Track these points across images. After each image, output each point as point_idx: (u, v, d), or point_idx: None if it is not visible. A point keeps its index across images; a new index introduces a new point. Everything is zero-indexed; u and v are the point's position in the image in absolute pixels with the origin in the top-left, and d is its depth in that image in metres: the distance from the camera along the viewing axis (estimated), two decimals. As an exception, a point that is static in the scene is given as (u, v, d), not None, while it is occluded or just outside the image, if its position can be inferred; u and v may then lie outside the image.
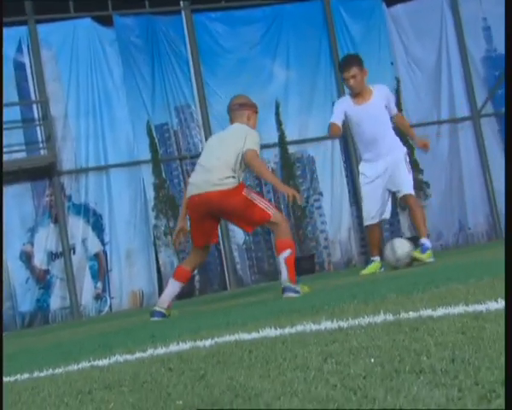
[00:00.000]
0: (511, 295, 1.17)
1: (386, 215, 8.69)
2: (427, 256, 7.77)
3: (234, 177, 6.27)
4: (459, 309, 2.25)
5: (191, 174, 7.25)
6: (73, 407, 1.76)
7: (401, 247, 7.72)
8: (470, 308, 2.22)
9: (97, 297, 15.73)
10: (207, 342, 2.63)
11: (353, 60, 8.46)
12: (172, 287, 6.51)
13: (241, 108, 7.28)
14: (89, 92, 16.05)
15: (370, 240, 8.87)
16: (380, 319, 2.40)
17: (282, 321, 2.95)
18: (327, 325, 2.49)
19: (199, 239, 6.55)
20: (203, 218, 6.40)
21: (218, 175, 6.26)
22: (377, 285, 4.80)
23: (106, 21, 16.42)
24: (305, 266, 16.09)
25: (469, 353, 1.51)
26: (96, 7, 16.40)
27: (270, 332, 2.59)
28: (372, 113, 8.15)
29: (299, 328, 2.55)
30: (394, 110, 8.62)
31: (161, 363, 2.32)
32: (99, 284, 15.80)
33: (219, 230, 16.24)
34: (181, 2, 16.78)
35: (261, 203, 6.32)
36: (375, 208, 8.38)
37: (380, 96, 8.36)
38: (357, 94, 8.23)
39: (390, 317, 2.38)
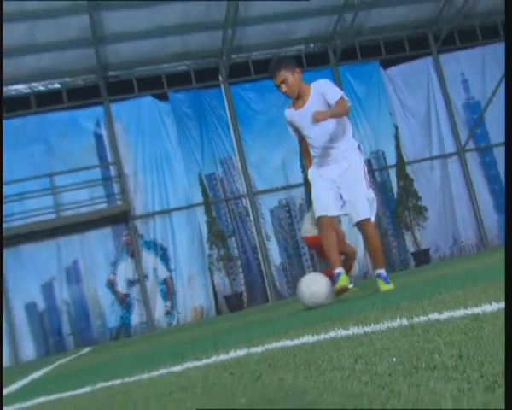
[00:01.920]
0: (511, 296, 1.15)
1: (362, 215, 5.81)
2: (392, 286, 5.74)
3: None
4: (460, 312, 2.22)
5: None
6: (159, 407, 1.76)
7: (316, 282, 5.45)
8: (469, 311, 2.18)
9: (167, 313, 15.82)
10: (259, 349, 2.60)
11: (280, 63, 5.91)
12: None
13: None
14: (152, 153, 16.28)
15: (324, 242, 5.95)
16: (396, 323, 2.36)
17: (317, 328, 2.92)
18: (354, 330, 2.46)
19: None
20: None
21: None
22: (391, 295, 4.72)
23: (163, 97, 16.72)
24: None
25: (473, 350, 1.49)
26: (154, 86, 16.66)
27: (309, 338, 2.56)
28: (312, 113, 5.64)
29: (332, 334, 2.52)
30: (333, 98, 5.71)
31: (224, 368, 2.30)
32: (168, 303, 15.87)
33: (260, 252, 16.39)
34: (220, 77, 16.95)
35: None
36: (328, 198, 5.84)
37: (316, 92, 5.83)
38: (297, 98, 5.93)
39: (405, 321, 2.34)
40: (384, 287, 5.70)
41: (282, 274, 16.55)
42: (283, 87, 5.81)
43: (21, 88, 16.13)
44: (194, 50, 16.30)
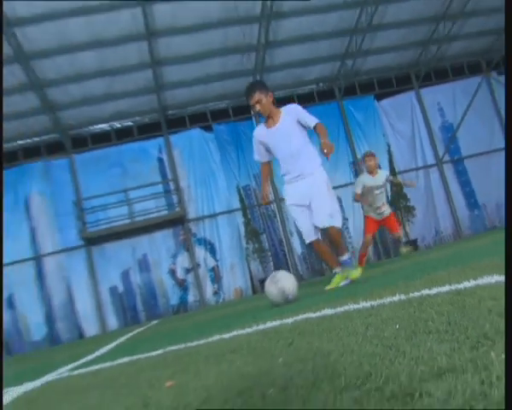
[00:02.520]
0: (511, 294, 1.14)
1: (326, 224, 5.09)
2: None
3: None
4: (446, 288, 2.18)
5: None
6: (215, 364, 1.76)
7: (283, 279, 4.22)
8: (453, 287, 2.14)
9: (215, 293, 15.85)
10: (289, 320, 2.58)
11: (255, 86, 5.24)
12: None
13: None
14: (201, 172, 16.40)
15: (321, 256, 5.44)
16: (396, 298, 2.31)
17: (334, 303, 2.89)
18: (363, 304, 2.42)
19: None
20: None
21: None
22: (389, 276, 4.66)
23: (208, 129, 16.80)
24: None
25: (458, 318, 1.46)
26: (201, 120, 16.78)
27: (328, 311, 2.53)
28: (284, 132, 5.14)
29: (346, 307, 2.49)
30: (311, 122, 5.14)
31: (263, 335, 2.28)
32: (215, 286, 15.92)
33: (285, 244, 16.36)
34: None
35: None
36: (307, 227, 5.17)
37: (288, 113, 5.24)
38: (268, 118, 5.23)
39: (403, 297, 2.29)
40: (353, 275, 5.03)
41: (302, 262, 16.50)
42: (257, 107, 5.08)
43: (104, 126, 16.38)
44: (231, 92, 16.36)
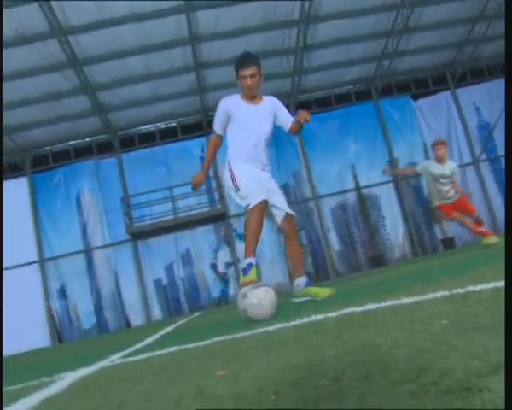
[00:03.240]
0: (510, 297, 1.08)
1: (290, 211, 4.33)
2: (326, 292, 4.14)
3: None
4: (490, 285, 2.09)
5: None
6: (264, 356, 1.73)
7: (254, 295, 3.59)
8: (499, 284, 2.06)
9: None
10: (333, 314, 2.52)
11: (254, 58, 4.26)
12: None
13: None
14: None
15: (250, 231, 4.01)
16: (439, 294, 2.23)
17: (376, 298, 2.80)
18: (405, 300, 2.33)
19: None
20: None
21: None
22: (430, 272, 4.51)
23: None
24: (377, 262, 15.64)
25: (500, 312, 1.40)
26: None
27: (371, 306, 2.46)
28: (263, 114, 4.33)
29: (389, 303, 2.41)
30: (289, 118, 4.42)
31: (308, 328, 2.23)
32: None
33: (324, 242, 16.23)
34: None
35: None
36: (256, 187, 4.08)
37: (270, 102, 4.44)
38: (252, 97, 4.32)
39: (446, 292, 2.21)
40: (324, 293, 4.15)
41: (339, 258, 16.34)
42: (249, 80, 4.19)
43: (149, 127, 16.63)
44: (270, 94, 16.26)
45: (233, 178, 4.18)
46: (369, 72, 16.79)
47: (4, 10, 11.10)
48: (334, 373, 1.17)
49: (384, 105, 17.20)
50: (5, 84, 13.19)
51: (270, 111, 4.40)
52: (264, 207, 4.07)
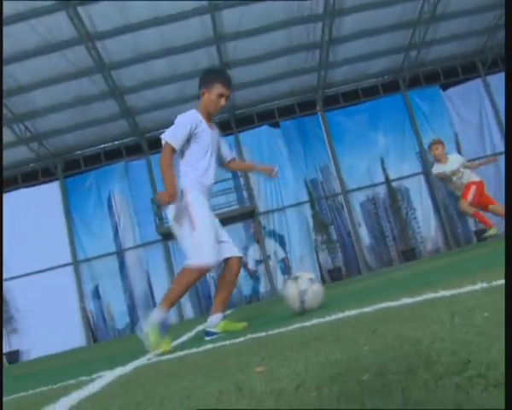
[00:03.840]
0: (510, 298, 1.04)
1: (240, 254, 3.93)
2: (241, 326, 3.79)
3: None
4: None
5: None
6: (301, 351, 1.73)
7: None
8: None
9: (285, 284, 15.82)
10: (368, 309, 2.50)
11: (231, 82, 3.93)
12: None
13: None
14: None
15: (179, 291, 3.62)
16: (478, 286, 2.17)
17: (411, 292, 2.74)
18: (443, 293, 2.29)
19: None
20: None
21: None
22: (466, 264, 4.43)
23: (276, 125, 16.75)
24: (408, 256, 15.42)
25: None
26: (269, 118, 16.78)
27: (407, 300, 2.41)
28: (216, 142, 3.98)
29: (425, 296, 2.36)
30: (231, 153, 4.29)
31: (344, 323, 2.21)
32: (286, 276, 15.86)
33: (354, 237, 16.09)
34: (317, 107, 16.80)
35: None
36: (213, 242, 3.66)
37: (217, 131, 4.03)
38: (210, 120, 3.94)
39: (485, 285, 2.16)
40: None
41: (370, 252, 16.17)
42: (224, 102, 3.83)
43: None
44: (297, 89, 16.28)
45: (190, 214, 3.64)
46: (397, 63, 16.54)
47: (33, 19, 11.36)
48: (375, 368, 1.16)
49: (412, 96, 16.90)
50: (36, 92, 13.52)
51: (218, 140, 4.02)
52: (207, 272, 3.70)
